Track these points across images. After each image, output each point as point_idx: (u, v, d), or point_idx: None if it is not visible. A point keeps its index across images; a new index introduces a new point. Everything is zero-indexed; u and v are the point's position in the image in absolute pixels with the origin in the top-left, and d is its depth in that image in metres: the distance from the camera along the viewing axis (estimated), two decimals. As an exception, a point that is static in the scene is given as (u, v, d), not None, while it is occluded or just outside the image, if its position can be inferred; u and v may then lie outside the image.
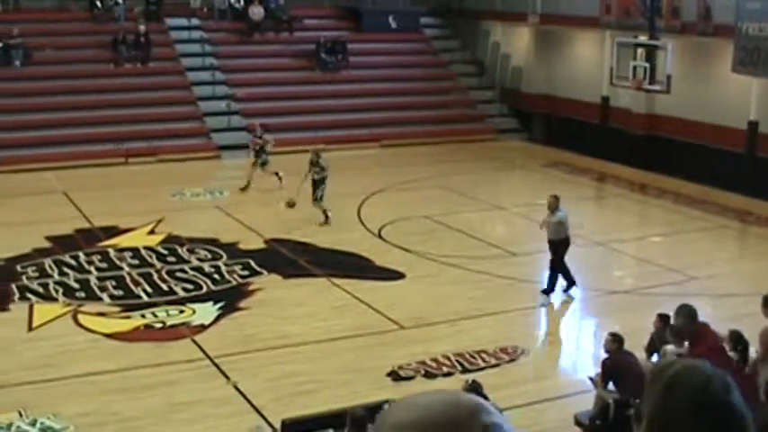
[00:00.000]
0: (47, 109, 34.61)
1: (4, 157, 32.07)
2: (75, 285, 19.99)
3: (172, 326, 17.76)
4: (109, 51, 37.44)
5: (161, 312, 18.36)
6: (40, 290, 19.75)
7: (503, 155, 35.32)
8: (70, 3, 39.59)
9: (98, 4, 38.81)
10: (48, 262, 21.51)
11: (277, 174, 28.41)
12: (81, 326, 17.82)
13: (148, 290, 19.67)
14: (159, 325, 17.82)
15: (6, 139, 33.18)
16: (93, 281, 20.28)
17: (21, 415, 13.99)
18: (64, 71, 36.24)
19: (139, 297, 19.34)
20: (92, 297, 19.30)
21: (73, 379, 15.44)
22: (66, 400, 14.55)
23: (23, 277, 20.52)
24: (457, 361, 15.99)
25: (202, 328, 17.60)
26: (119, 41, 37.22)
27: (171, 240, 23.17)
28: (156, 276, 20.54)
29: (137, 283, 20.11)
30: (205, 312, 18.34)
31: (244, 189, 28.30)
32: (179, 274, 20.66)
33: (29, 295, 19.43)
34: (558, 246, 19.40)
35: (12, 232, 23.75)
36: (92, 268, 21.12)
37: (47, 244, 22.72)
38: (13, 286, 19.92)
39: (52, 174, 30.35)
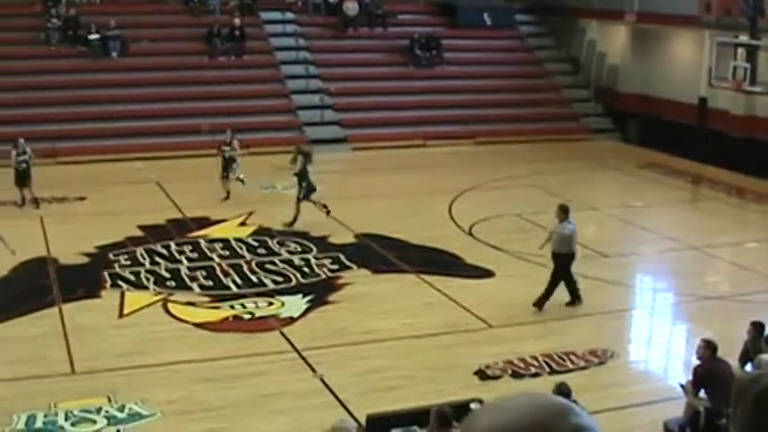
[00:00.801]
0: (142, 100, 35.07)
1: (100, 146, 32.60)
2: (166, 274, 20.22)
3: (260, 317, 17.85)
4: (204, 44, 37.82)
5: (250, 304, 18.46)
6: (132, 278, 20.00)
7: (596, 155, 34.90)
8: (167, -5, 40.09)
9: (194, -3, 39.32)
10: (140, 251, 21.78)
11: (240, 179, 27.05)
12: (171, 314, 18.01)
13: (238, 281, 19.79)
14: (248, 316, 17.91)
15: (102, 129, 33.70)
16: (184, 270, 20.48)
17: (110, 400, 14.16)
18: (159, 63, 36.69)
19: (229, 288, 19.47)
20: (182, 286, 19.49)
21: (162, 367, 15.57)
22: (155, 388, 14.67)
23: (116, 265, 20.81)
24: (545, 362, 15.79)
25: (291, 320, 17.65)
26: (214, 34, 37.57)
27: (261, 233, 23.30)
28: (245, 268, 20.66)
29: (226, 274, 20.24)
30: (294, 305, 18.39)
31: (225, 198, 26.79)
32: (269, 266, 20.76)
33: (120, 283, 19.70)
34: (561, 260, 18.32)
35: (105, 221, 24.07)
36: (183, 258, 21.34)
37: (139, 233, 22.99)
38: (106, 274, 20.21)
39: (146, 164, 30.72)
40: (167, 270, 20.52)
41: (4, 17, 37.36)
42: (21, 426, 13.42)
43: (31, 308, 18.47)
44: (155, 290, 19.27)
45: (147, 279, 19.91)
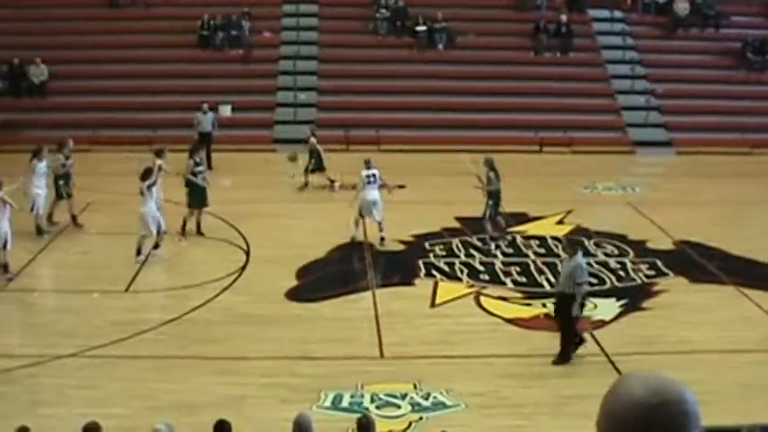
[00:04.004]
0: (466, 93, 35.38)
1: (423, 136, 33.30)
2: (480, 268, 20.30)
3: (572, 318, 17.53)
4: (529, 39, 37.74)
5: (562, 303, 18.18)
6: (446, 268, 20.18)
7: None
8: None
9: (521, -9, 39.35)
10: (455, 242, 21.94)
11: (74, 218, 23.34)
12: (482, 308, 18.06)
13: (552, 279, 19.53)
14: (559, 316, 17.65)
15: (425, 119, 34.32)
16: (498, 265, 20.47)
17: (415, 387, 14.32)
18: (484, 56, 36.96)
19: (542, 286, 19.29)
20: (495, 281, 19.50)
21: (469, 359, 15.62)
22: (461, 379, 14.71)
23: (431, 255, 21.05)
24: None
25: (602, 323, 17.27)
26: (540, 30, 37.41)
27: (578, 232, 22.95)
28: (560, 267, 20.36)
29: (541, 272, 20.08)
30: (607, 308, 18.00)
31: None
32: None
33: (434, 273, 19.92)
34: (563, 301, 15.62)
35: (424, 210, 24.41)
36: (498, 252, 21.32)
37: (456, 224, 23.15)
38: (420, 262, 20.49)
39: (467, 156, 30.90)
40: (482, 263, 20.60)
41: (335, 6, 38.75)
42: (327, 403, 13.82)
43: (347, 290, 19.03)
44: (468, 282, 19.38)
45: (461, 271, 20.06)
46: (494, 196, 21.96)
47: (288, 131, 33.76)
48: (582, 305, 15.47)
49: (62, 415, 13.27)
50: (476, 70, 36.31)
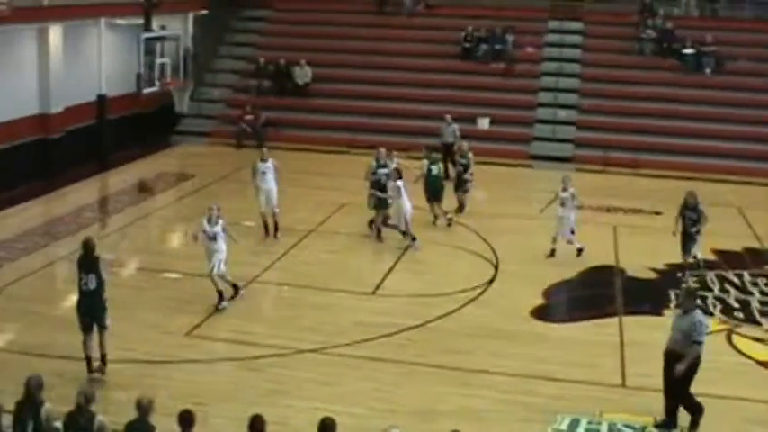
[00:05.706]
0: (733, 120, 34.13)
1: (684, 162, 32.21)
2: (735, 304, 19.42)
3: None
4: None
5: (821, 349, 17.16)
6: (698, 302, 19.36)
7: None
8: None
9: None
10: (710, 275, 21.12)
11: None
12: (734, 347, 17.24)
13: (814, 325, 18.51)
14: (816, 362, 16.65)
15: (683, 145, 33.25)
16: (755, 304, 19.53)
17: (655, 421, 13.82)
18: (755, 83, 35.54)
19: (802, 330, 18.29)
20: (750, 320, 18.59)
21: (715, 399, 14.80)
22: (704, 418, 13.90)
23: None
24: None
25: None
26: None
27: None
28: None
29: (797, 315, 19.06)
30: None
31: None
32: None
33: (683, 306, 19.17)
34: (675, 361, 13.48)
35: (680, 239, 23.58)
36: (755, 291, 20.38)
37: (712, 257, 22.27)
38: (672, 293, 19.79)
39: (728, 187, 29.85)
40: (737, 300, 19.71)
41: (600, 25, 38.38)
42: (563, 427, 13.61)
43: (594, 314, 18.69)
44: (720, 318, 18.55)
45: (714, 306, 19.26)
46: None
47: (545, 148, 33.55)
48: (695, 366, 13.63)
49: (299, 407, 13.62)
50: (745, 98, 34.93)
